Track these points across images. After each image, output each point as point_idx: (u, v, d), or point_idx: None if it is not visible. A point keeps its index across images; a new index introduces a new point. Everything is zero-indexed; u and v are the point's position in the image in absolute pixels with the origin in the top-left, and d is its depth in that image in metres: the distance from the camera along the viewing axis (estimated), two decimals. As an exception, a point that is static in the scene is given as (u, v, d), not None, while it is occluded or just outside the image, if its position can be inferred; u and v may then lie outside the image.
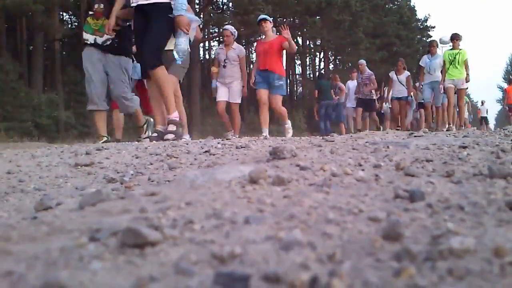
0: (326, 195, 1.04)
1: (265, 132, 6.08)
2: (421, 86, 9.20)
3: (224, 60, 6.27)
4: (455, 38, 8.28)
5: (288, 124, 6.23)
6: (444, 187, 1.08)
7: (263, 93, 6.03)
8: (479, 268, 0.58)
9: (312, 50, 29.69)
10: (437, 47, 8.70)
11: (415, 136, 2.55)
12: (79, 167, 2.12)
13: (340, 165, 1.42)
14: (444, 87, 8.24)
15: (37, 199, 1.50)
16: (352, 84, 11.08)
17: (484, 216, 0.82)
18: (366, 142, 2.04)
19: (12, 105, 15.45)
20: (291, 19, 25.79)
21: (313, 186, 1.14)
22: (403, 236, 0.72)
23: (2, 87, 15.51)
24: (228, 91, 6.34)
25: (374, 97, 10.42)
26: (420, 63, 8.92)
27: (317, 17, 23.24)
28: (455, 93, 8.33)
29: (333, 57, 32.76)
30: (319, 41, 26.41)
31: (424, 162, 1.43)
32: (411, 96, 10.32)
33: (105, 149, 2.64)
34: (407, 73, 9.46)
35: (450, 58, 8.07)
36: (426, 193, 1.00)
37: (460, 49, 8.13)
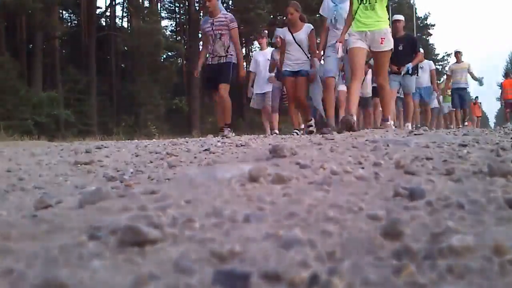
0: (326, 193, 1.04)
1: None
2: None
3: None
4: None
5: None
6: (444, 185, 1.08)
7: None
8: (479, 266, 0.58)
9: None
10: None
11: (415, 134, 2.55)
12: (79, 165, 2.12)
13: (340, 163, 1.42)
14: (347, 48, 4.14)
15: (37, 197, 1.49)
16: (262, 57, 6.78)
17: (484, 214, 0.82)
18: (366, 140, 2.04)
19: (12, 104, 15.48)
20: (291, 17, 25.74)
21: (313, 184, 1.14)
22: (403, 234, 0.72)
23: (2, 86, 15.53)
24: None
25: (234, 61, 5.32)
26: (320, 11, 4.91)
27: (317, 15, 23.18)
28: (369, 63, 4.66)
29: (333, 55, 32.73)
30: (319, 39, 26.34)
31: (424, 160, 1.43)
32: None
33: (105, 147, 2.64)
34: (308, 26, 5.12)
35: None
36: (426, 191, 1.00)
37: None
